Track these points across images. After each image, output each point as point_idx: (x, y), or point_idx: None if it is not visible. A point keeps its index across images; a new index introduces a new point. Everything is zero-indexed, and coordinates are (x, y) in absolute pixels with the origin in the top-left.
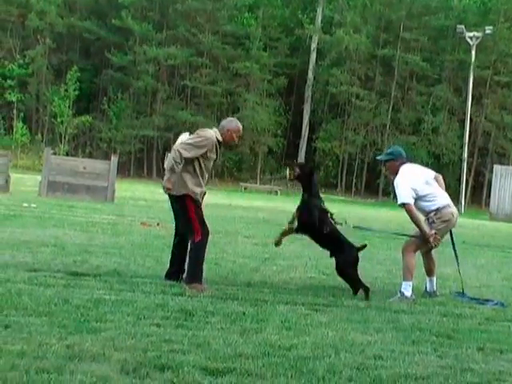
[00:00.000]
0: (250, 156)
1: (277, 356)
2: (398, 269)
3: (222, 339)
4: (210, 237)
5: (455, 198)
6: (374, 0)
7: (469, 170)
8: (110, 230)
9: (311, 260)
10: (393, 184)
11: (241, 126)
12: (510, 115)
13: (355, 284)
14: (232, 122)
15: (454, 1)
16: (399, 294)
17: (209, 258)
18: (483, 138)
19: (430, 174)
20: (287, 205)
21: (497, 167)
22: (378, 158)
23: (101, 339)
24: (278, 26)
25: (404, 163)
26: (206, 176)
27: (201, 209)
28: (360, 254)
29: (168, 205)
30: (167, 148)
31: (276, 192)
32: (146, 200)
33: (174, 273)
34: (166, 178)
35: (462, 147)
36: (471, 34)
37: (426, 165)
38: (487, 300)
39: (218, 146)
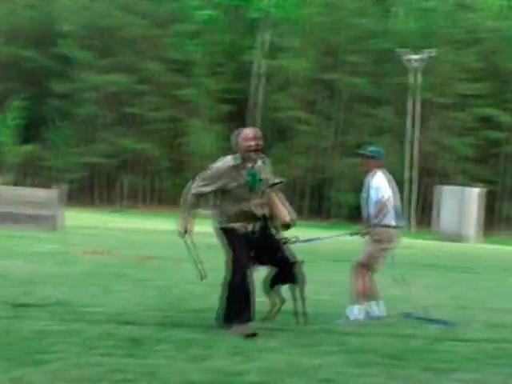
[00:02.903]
0: None
1: (225, 382)
2: (344, 291)
3: (171, 367)
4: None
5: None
6: (316, 24)
7: (414, 190)
8: (57, 260)
9: (260, 285)
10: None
11: (248, 130)
12: (454, 136)
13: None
14: (238, 135)
15: (395, 25)
16: (344, 317)
17: (157, 284)
18: (426, 159)
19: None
20: None
21: (440, 187)
22: (362, 151)
23: (47, 371)
24: (221, 51)
25: (380, 167)
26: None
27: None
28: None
29: (115, 232)
30: (113, 175)
31: None
32: (93, 228)
33: None
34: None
35: (408, 168)
36: (412, 57)
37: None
38: (435, 320)
39: (238, 171)
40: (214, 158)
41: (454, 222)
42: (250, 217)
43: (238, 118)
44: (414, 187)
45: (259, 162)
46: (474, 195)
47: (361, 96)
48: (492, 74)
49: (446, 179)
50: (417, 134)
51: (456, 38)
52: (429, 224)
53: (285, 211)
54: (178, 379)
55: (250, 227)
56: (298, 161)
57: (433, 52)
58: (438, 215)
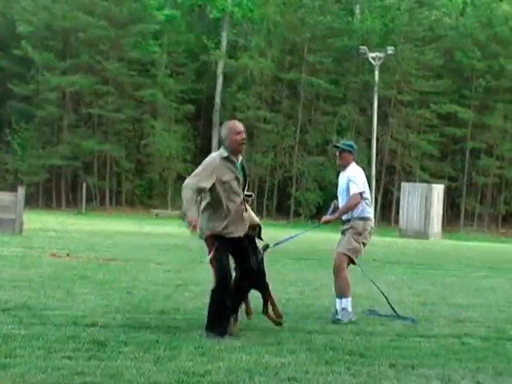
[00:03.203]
0: (160, 182)
1: (191, 383)
2: (310, 289)
3: (136, 369)
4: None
5: None
6: (278, 23)
7: (378, 188)
8: (19, 263)
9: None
10: (339, 173)
11: (235, 123)
12: (415, 133)
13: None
14: (226, 127)
15: (356, 22)
16: (342, 312)
17: (121, 286)
18: (390, 157)
19: None
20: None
21: (404, 184)
22: (339, 145)
23: (10, 375)
24: (183, 51)
25: (355, 161)
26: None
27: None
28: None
29: (78, 235)
30: (76, 177)
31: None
32: (56, 231)
33: None
34: None
35: (369, 166)
36: (374, 55)
37: (336, 185)
38: (399, 316)
39: (229, 164)
40: (178, 159)
41: (418, 219)
42: (241, 216)
43: (201, 118)
44: (379, 184)
45: (240, 157)
46: (437, 192)
47: (323, 94)
48: (452, 71)
49: (409, 176)
50: (379, 131)
51: (416, 36)
52: (393, 221)
53: (252, 213)
54: (142, 381)
55: (240, 231)
56: (261, 160)
57: (393, 49)
58: (402, 212)
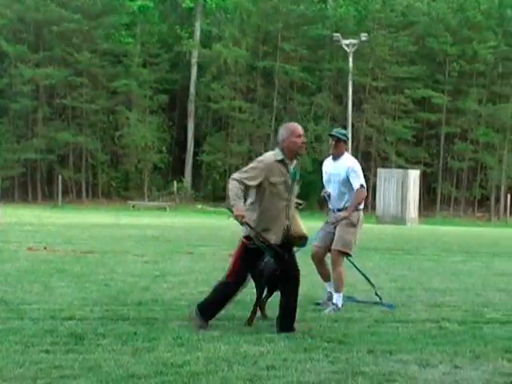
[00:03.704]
0: (136, 174)
1: (170, 374)
2: None
3: (114, 361)
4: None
5: None
6: (251, 12)
7: None
8: None
9: (202, 275)
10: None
11: (296, 125)
12: (390, 119)
13: None
14: (285, 129)
15: (330, 10)
16: (333, 306)
17: (98, 278)
18: (365, 143)
19: None
20: (176, 220)
21: (380, 170)
22: (335, 134)
23: None
24: (156, 42)
25: (346, 150)
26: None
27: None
28: None
29: (54, 228)
30: (51, 170)
31: (165, 208)
32: (32, 224)
33: None
34: None
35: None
36: (348, 42)
37: (311, 172)
38: (376, 302)
39: (282, 166)
40: (153, 150)
41: (395, 205)
42: (280, 223)
43: (176, 109)
44: None
45: (295, 162)
46: (413, 177)
47: (298, 82)
48: (426, 56)
49: (385, 162)
50: (354, 118)
51: (389, 22)
52: (370, 208)
53: (300, 222)
54: (121, 373)
55: (276, 239)
56: (237, 149)
57: (367, 36)
58: (379, 198)
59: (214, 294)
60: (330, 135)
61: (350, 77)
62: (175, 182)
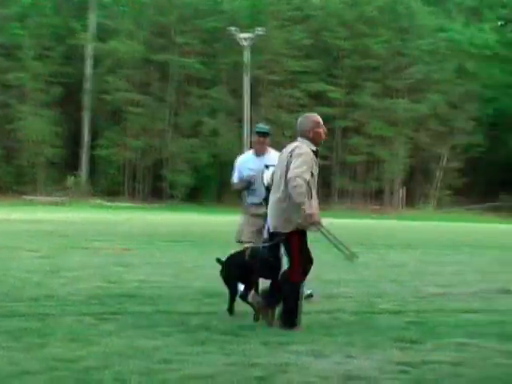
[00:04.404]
0: (30, 168)
1: (62, 369)
2: (183, 271)
3: (7, 358)
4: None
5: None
6: (146, 6)
7: None
8: None
9: (97, 269)
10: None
11: (318, 116)
12: (287, 113)
13: None
14: (309, 120)
15: (224, 3)
16: None
17: None
18: None
19: None
20: (71, 215)
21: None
22: (265, 129)
23: None
24: (49, 34)
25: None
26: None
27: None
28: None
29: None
30: None
31: (59, 203)
32: None
33: None
34: None
35: (241, 147)
36: (243, 36)
37: (208, 166)
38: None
39: (315, 157)
40: (47, 144)
41: None
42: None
43: (70, 102)
44: None
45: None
46: None
47: (195, 76)
48: (321, 51)
49: None
50: (251, 112)
51: (285, 15)
52: None
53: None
54: (12, 369)
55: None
56: (132, 143)
57: (262, 30)
58: None
59: (287, 303)
60: (260, 132)
61: (246, 70)
62: (70, 177)
